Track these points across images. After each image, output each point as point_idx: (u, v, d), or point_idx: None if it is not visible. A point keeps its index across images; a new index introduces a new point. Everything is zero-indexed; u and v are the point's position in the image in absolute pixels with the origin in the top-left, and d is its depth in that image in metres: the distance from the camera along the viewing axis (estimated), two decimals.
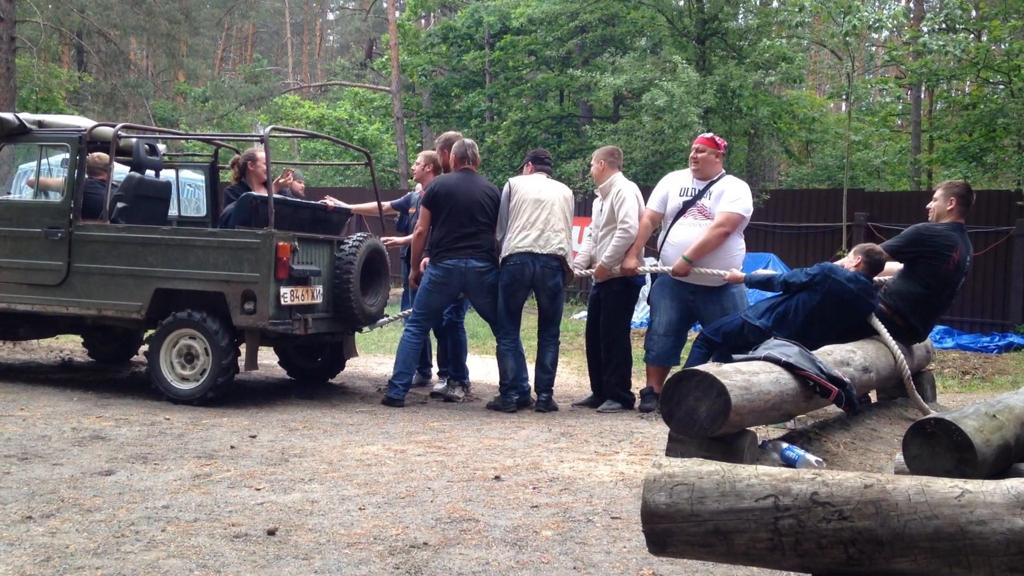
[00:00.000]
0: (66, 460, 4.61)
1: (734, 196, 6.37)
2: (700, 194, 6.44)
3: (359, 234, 7.04)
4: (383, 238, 7.44)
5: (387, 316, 7.56)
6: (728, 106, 15.84)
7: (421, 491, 4.19)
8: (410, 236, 7.30)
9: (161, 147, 7.97)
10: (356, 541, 3.45)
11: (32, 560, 3.17)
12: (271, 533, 3.51)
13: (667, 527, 2.22)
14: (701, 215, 6.42)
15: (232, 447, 5.05)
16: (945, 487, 2.04)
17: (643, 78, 15.63)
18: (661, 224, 6.74)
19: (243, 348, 6.56)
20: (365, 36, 39.13)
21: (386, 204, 7.97)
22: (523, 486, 4.32)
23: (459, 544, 3.44)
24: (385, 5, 25.90)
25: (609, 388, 6.81)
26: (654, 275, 6.89)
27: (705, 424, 3.69)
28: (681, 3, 18.01)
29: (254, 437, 5.34)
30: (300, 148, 27.41)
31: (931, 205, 5.45)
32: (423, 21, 32.05)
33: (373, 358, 9.34)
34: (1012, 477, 2.41)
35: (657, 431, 5.73)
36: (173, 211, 7.88)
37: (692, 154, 6.56)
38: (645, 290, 7.74)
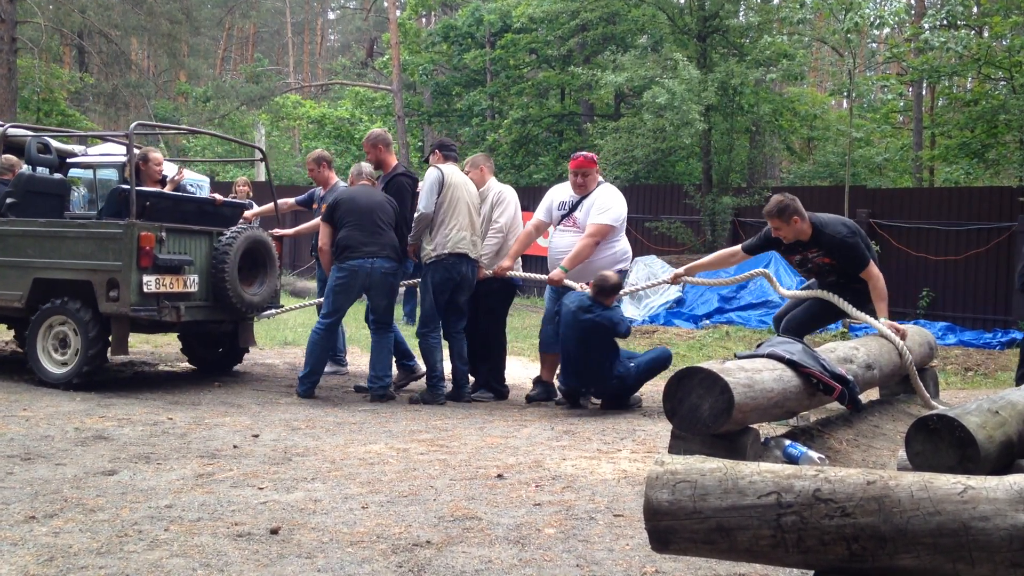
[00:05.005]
0: (69, 460, 4.61)
1: (602, 207, 6.81)
2: (574, 207, 6.95)
3: (239, 225, 7.29)
4: (276, 230, 7.85)
5: (283, 306, 7.89)
6: (729, 103, 15.81)
7: (424, 489, 4.19)
8: (298, 228, 8.47)
9: (79, 147, 8.62)
10: (359, 540, 3.45)
11: (35, 560, 3.17)
12: (274, 532, 3.51)
13: (670, 524, 2.22)
14: (573, 226, 6.95)
15: (235, 446, 5.06)
16: (948, 483, 2.04)
17: (644, 76, 15.61)
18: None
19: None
20: (366, 35, 39.16)
21: (291, 201, 8.60)
22: (526, 484, 4.32)
23: (462, 542, 3.44)
24: (386, 4, 25.88)
25: (484, 379, 7.18)
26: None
27: (708, 421, 3.70)
28: (682, 1, 17.99)
29: (257, 436, 5.34)
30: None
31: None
32: (424, 20, 32.06)
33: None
34: (1015, 473, 2.42)
35: (660, 429, 5.73)
36: (95, 210, 8.44)
37: (576, 179, 6.93)
38: None
